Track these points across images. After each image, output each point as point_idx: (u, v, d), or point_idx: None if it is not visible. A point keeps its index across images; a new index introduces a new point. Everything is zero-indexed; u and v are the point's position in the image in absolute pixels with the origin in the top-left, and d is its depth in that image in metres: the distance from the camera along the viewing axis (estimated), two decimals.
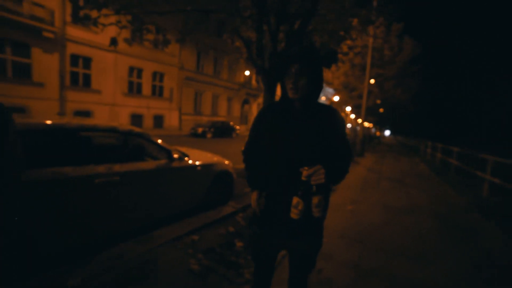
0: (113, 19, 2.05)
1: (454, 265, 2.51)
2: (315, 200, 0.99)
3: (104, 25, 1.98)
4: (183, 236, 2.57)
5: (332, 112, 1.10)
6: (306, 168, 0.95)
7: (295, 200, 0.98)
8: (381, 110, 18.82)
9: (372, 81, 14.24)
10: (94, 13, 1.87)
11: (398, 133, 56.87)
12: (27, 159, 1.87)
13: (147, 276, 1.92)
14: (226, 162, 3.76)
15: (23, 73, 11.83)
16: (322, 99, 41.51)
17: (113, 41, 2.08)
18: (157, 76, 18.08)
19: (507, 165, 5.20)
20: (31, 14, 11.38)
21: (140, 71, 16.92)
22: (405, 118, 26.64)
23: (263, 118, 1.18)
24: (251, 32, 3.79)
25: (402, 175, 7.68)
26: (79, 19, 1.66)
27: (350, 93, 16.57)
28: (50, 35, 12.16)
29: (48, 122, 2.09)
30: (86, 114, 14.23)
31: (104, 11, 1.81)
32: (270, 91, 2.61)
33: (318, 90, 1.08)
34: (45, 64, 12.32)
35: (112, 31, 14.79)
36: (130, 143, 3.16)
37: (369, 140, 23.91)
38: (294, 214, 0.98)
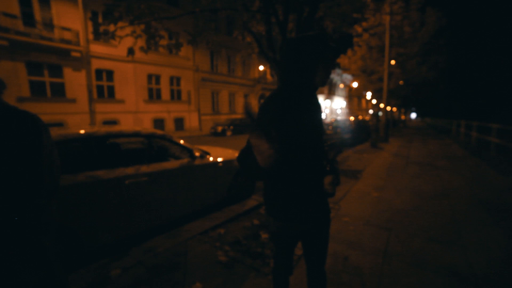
0: (128, 30, 2.18)
1: (493, 252, 2.34)
2: (328, 179, 1.06)
3: (120, 37, 2.11)
4: (210, 230, 2.68)
5: None
6: (331, 151, 1.07)
7: (327, 178, 1.06)
8: (403, 92, 17.70)
9: (392, 62, 13.48)
10: (111, 27, 2.00)
11: (426, 115, 53.25)
12: (65, 165, 2.08)
13: (178, 267, 2.04)
14: None
15: (58, 92, 13.10)
16: (340, 86, 40.07)
17: (130, 51, 2.21)
18: (174, 80, 18.67)
19: None
20: (61, 38, 12.60)
21: (158, 78, 17.60)
22: (433, 98, 24.81)
23: (278, 110, 1.00)
24: (260, 26, 3.78)
25: (432, 158, 7.23)
26: (99, 35, 1.79)
27: (369, 77, 15.82)
28: (78, 54, 13.24)
29: (81, 131, 2.30)
30: (113, 123, 15.17)
31: (120, 23, 1.94)
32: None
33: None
34: (75, 81, 13.49)
35: (129, 42, 15.59)
36: (154, 145, 3.36)
37: (393, 125, 22.76)
38: (331, 189, 1.07)
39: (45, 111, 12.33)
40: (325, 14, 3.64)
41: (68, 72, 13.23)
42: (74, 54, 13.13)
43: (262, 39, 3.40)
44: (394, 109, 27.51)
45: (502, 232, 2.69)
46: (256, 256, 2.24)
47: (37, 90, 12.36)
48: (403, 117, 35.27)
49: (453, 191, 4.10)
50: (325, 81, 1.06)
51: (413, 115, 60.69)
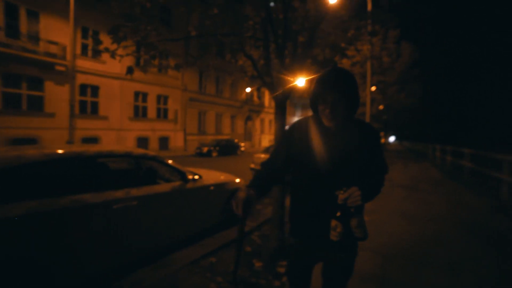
0: (129, 50, 2.18)
1: (485, 274, 2.38)
2: (353, 222, 0.95)
3: (122, 56, 2.09)
4: (201, 259, 2.52)
5: (367, 127, 1.07)
6: (341, 191, 0.92)
7: (333, 222, 0.95)
8: (385, 117, 18.75)
9: (373, 88, 14.34)
10: (113, 46, 1.99)
11: (404, 139, 56.21)
12: (48, 188, 1.91)
13: None
14: (237, 180, 3.75)
15: (36, 105, 12.43)
16: None
17: (130, 70, 2.17)
18: (162, 99, 18.56)
19: None
20: (46, 51, 12.27)
21: (145, 95, 17.42)
22: (411, 122, 26.43)
23: (290, 136, 1.13)
24: (253, 51, 3.91)
25: (414, 181, 7.50)
26: (98, 52, 1.75)
27: None
28: (62, 68, 12.88)
29: (69, 150, 2.16)
30: (94, 140, 14.53)
31: (123, 43, 1.93)
32: (281, 107, 2.66)
33: (354, 112, 1.03)
34: (57, 96, 12.95)
35: (122, 60, 15.57)
36: (143, 167, 3.22)
37: None
38: (333, 236, 0.96)
39: (18, 125, 11.63)
40: (315, 42, 3.86)
41: (49, 85, 12.74)
42: (58, 68, 12.76)
43: (258, 64, 3.51)
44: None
45: (489, 256, 2.76)
46: (251, 287, 2.11)
47: (12, 103, 11.66)
48: (383, 140, 36.92)
49: (438, 214, 4.22)
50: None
51: (392, 138, 63.86)
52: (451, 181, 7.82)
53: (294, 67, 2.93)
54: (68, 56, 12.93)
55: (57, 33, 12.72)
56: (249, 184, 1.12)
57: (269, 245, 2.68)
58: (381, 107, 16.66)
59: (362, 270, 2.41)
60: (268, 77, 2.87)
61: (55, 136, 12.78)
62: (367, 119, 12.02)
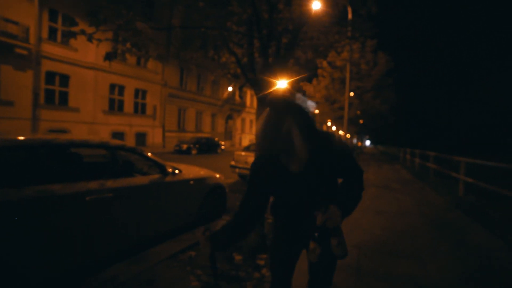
0: (109, 34, 2.05)
1: (445, 261, 2.61)
2: (334, 241, 0.92)
3: (100, 40, 1.96)
4: (179, 253, 2.47)
5: (329, 137, 1.02)
6: (320, 212, 0.87)
7: (312, 244, 0.91)
8: (361, 121, 19.69)
9: (351, 94, 14.98)
10: (90, 29, 1.85)
11: (379, 143, 59.33)
12: (10, 177, 1.76)
13: None
14: (217, 175, 3.72)
15: None
16: None
17: (109, 56, 2.04)
18: (140, 93, 17.81)
19: (478, 165, 5.61)
20: (3, 30, 10.91)
21: (122, 88, 16.61)
22: (385, 127, 28.02)
23: (261, 169, 1.06)
24: (238, 49, 3.92)
25: (387, 181, 7.95)
26: (72, 35, 1.60)
27: (331, 105, 17.26)
28: (24, 52, 11.71)
29: (36, 137, 2.00)
30: (62, 133, 13.54)
31: (102, 27, 1.81)
32: (263, 106, 2.70)
33: (311, 135, 0.95)
34: (16, 82, 11.67)
35: (93, 47, 14.42)
36: (120, 159, 3.07)
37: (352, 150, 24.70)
38: (312, 257, 0.93)
39: None
40: (298, 45, 3.96)
41: (7, 70, 11.34)
42: (19, 51, 11.49)
43: (242, 61, 3.51)
44: (348, 135, 30.07)
45: (447, 244, 3.03)
46: (231, 280, 2.11)
47: None
48: (359, 143, 38.62)
49: (407, 211, 4.53)
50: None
51: (368, 142, 67.07)
52: (419, 180, 8.40)
53: (277, 67, 2.98)
54: (32, 39, 11.84)
55: (18, 12, 11.42)
56: (218, 234, 1.08)
57: (249, 239, 2.69)
58: (358, 112, 17.46)
59: (338, 261, 2.51)
60: (251, 74, 2.89)
61: (15, 127, 11.53)
62: (345, 121, 12.52)
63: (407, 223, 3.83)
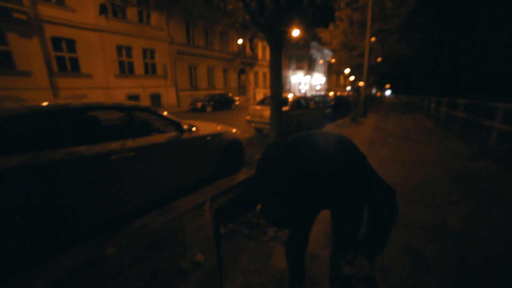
0: None
1: (468, 210, 2.59)
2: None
3: None
4: (203, 204, 2.64)
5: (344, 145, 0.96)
6: (346, 261, 0.82)
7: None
8: (381, 69, 18.10)
9: (372, 39, 13.49)
10: None
11: (399, 92, 55.68)
12: (37, 141, 1.85)
13: (176, 242, 2.00)
14: (234, 130, 3.73)
15: (5, 63, 11.04)
16: (320, 62, 40.00)
17: (103, 8, 1.88)
18: (148, 53, 17.27)
19: None
20: None
21: (129, 50, 16.13)
22: (407, 75, 25.82)
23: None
24: None
25: (407, 131, 7.66)
26: None
27: (350, 53, 15.84)
28: (22, 16, 11.19)
29: (53, 103, 2.03)
30: (81, 98, 13.90)
31: None
32: (276, 49, 2.48)
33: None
34: (27, 50, 11.53)
35: (91, 7, 13.62)
36: (136, 120, 3.12)
37: (370, 101, 23.54)
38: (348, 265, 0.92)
39: None
40: None
41: (13, 38, 11.06)
42: (17, 15, 10.96)
43: (251, 4, 3.17)
44: (374, 87, 28.25)
45: (471, 193, 2.98)
46: (254, 227, 2.26)
47: None
48: (379, 94, 36.54)
49: (428, 160, 4.41)
50: None
51: (388, 92, 63.20)
52: (443, 130, 8.01)
53: (290, 11, 2.64)
54: (26, 1, 11.18)
55: None
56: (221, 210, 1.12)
57: None
58: (379, 59, 15.95)
59: None
60: (262, 19, 2.60)
61: (37, 97, 11.88)
62: (364, 70, 11.62)
63: (428, 172, 3.76)
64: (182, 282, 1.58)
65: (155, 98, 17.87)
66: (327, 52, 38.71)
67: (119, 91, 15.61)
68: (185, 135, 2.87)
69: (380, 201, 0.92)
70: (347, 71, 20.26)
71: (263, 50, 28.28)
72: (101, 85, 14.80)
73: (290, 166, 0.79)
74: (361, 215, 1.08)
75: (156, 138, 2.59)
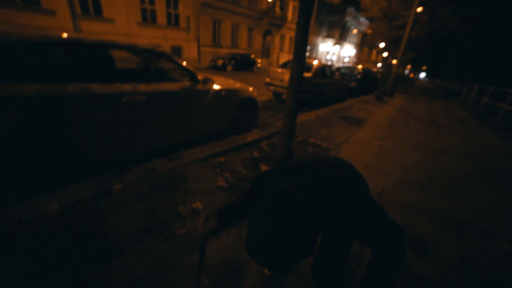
0: None
1: (478, 203, 2.45)
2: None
3: None
4: (210, 157, 2.66)
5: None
6: None
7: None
8: (422, 45, 16.15)
9: (419, 9, 11.84)
10: None
11: (435, 76, 50.84)
12: (49, 73, 1.83)
13: (179, 188, 2.06)
14: (251, 89, 3.58)
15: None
16: (354, 32, 36.64)
17: None
18: (172, 2, 16.41)
19: None
20: None
21: None
22: (449, 57, 23.11)
23: None
24: None
25: (435, 118, 7.13)
26: None
27: (389, 23, 14.19)
28: None
29: (66, 35, 1.97)
30: None
31: None
32: (305, 15, 2.20)
33: None
34: None
35: None
36: (151, 65, 3.04)
37: (401, 81, 21.81)
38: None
39: (13, 20, 10.30)
40: None
41: None
42: None
43: None
44: (408, 67, 25.80)
45: (491, 189, 2.79)
46: None
47: None
48: (411, 75, 33.68)
49: (451, 150, 4.12)
50: None
51: (422, 75, 57.96)
52: (478, 121, 7.37)
53: None
54: None
55: None
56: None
57: (276, 152, 2.76)
58: (422, 33, 14.17)
59: None
60: None
61: None
62: (402, 45, 10.52)
63: (447, 162, 3.52)
64: (179, 225, 1.65)
65: (176, 51, 17.49)
66: (363, 20, 35.11)
67: (140, 39, 15.32)
68: (199, 86, 2.78)
69: (384, 242, 0.81)
70: (381, 45, 18.44)
71: (293, 12, 26.06)
72: (123, 31, 14.53)
73: (279, 216, 0.65)
74: (348, 246, 0.99)
75: (169, 86, 2.52)
